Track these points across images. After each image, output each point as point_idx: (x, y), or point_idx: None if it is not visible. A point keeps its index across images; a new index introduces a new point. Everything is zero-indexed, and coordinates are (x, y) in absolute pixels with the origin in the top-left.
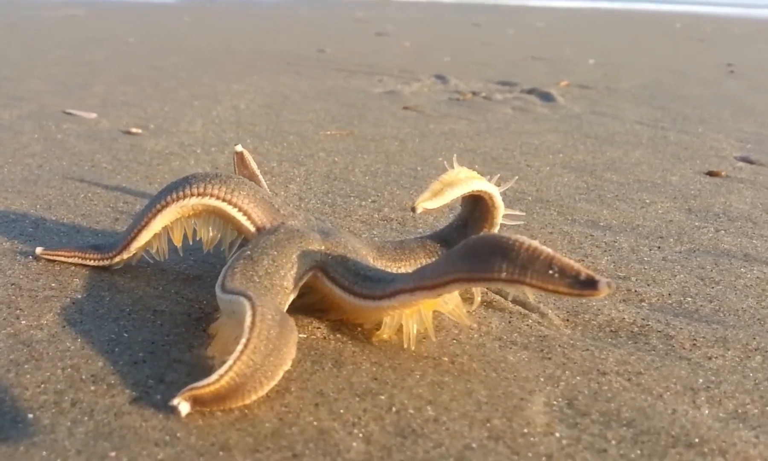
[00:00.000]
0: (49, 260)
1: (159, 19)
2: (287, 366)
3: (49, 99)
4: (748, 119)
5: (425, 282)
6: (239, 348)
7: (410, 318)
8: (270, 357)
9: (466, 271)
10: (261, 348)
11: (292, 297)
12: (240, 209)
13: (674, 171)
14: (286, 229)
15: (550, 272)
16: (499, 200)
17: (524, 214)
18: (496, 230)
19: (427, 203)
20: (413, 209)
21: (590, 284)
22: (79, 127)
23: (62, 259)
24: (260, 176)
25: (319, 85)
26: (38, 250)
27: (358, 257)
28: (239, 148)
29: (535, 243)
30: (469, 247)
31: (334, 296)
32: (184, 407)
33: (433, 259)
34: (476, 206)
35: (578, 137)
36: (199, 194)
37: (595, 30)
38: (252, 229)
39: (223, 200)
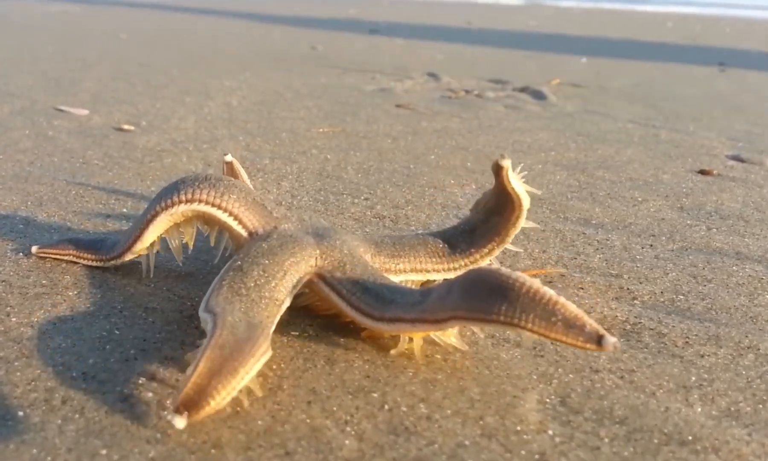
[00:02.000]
0: (42, 258)
1: (150, 15)
2: (245, 373)
3: (40, 95)
4: (739, 118)
5: (426, 316)
6: (198, 354)
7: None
8: (227, 364)
9: (465, 309)
10: (216, 356)
11: (284, 307)
12: (231, 214)
13: (666, 169)
14: (279, 234)
15: (553, 319)
16: (522, 220)
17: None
18: (507, 243)
19: (513, 175)
20: (501, 157)
21: (596, 339)
22: (70, 123)
23: (57, 256)
24: (250, 186)
25: (312, 83)
26: (33, 249)
27: (355, 260)
28: (229, 158)
29: (537, 284)
30: (469, 282)
31: (332, 303)
32: (178, 422)
33: (434, 259)
34: (490, 217)
35: (570, 135)
36: (187, 201)
37: (587, 29)
38: (244, 234)
39: (213, 205)
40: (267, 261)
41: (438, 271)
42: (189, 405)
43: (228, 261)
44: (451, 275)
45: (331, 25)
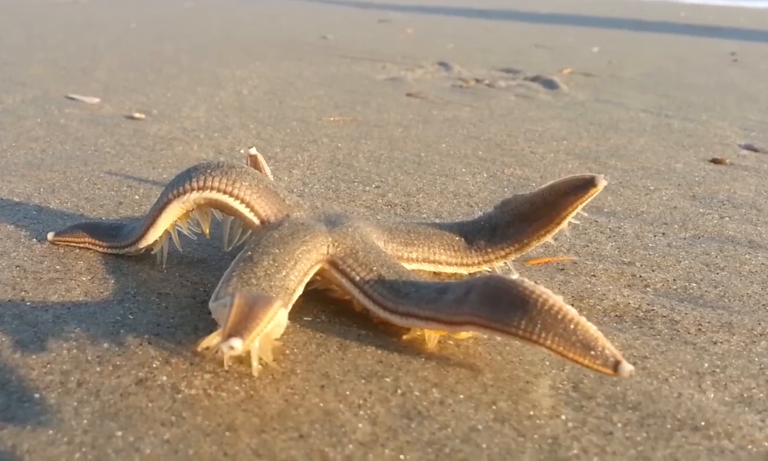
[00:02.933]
0: (56, 244)
1: (160, 4)
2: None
3: (51, 84)
4: (752, 107)
5: (441, 316)
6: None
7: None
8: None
9: (484, 317)
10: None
11: (296, 296)
12: (242, 201)
13: (678, 158)
14: (290, 223)
15: (573, 339)
16: (549, 237)
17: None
18: (524, 253)
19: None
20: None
21: (613, 364)
22: (81, 112)
23: (72, 243)
24: (269, 176)
25: (323, 72)
26: (49, 236)
27: (368, 247)
28: (253, 150)
29: (560, 303)
30: (491, 289)
31: (345, 291)
32: (236, 343)
33: (448, 252)
34: (516, 221)
35: (582, 124)
36: (199, 188)
37: (599, 18)
38: (256, 221)
39: (224, 192)
40: (277, 250)
41: (451, 264)
42: (238, 330)
43: (240, 251)
44: (464, 271)
45: (341, 13)
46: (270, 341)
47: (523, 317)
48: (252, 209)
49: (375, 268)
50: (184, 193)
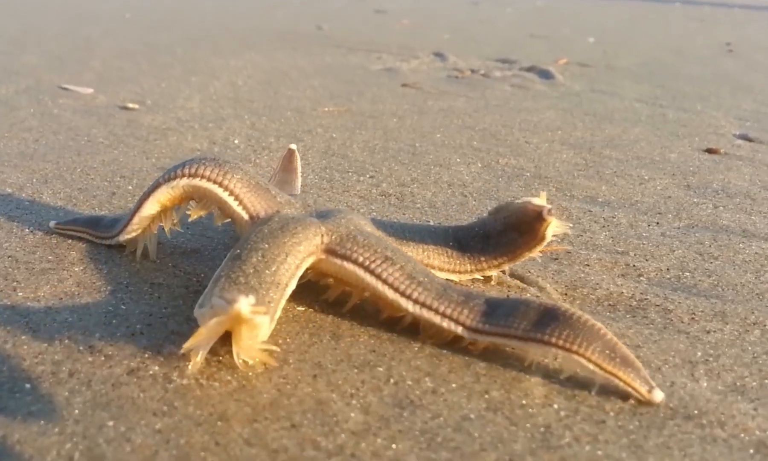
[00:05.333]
0: (61, 234)
1: None
2: None
3: (45, 74)
4: (746, 97)
5: (462, 318)
6: None
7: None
8: None
9: (522, 329)
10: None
11: (289, 290)
12: (232, 193)
13: (673, 148)
14: (280, 217)
15: (612, 354)
16: (540, 248)
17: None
18: (517, 262)
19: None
20: None
21: (649, 385)
22: (75, 102)
23: (72, 233)
24: (299, 177)
25: (317, 62)
26: (52, 223)
27: (367, 233)
28: (293, 146)
29: (600, 324)
30: (533, 310)
31: (347, 276)
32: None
33: (442, 256)
34: (509, 230)
35: (577, 115)
36: (190, 175)
37: (595, 9)
38: (245, 216)
39: (214, 182)
40: (267, 245)
41: (444, 270)
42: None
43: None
44: (455, 278)
45: (336, 4)
46: (253, 346)
47: (566, 329)
48: (241, 203)
49: (380, 250)
50: (175, 178)
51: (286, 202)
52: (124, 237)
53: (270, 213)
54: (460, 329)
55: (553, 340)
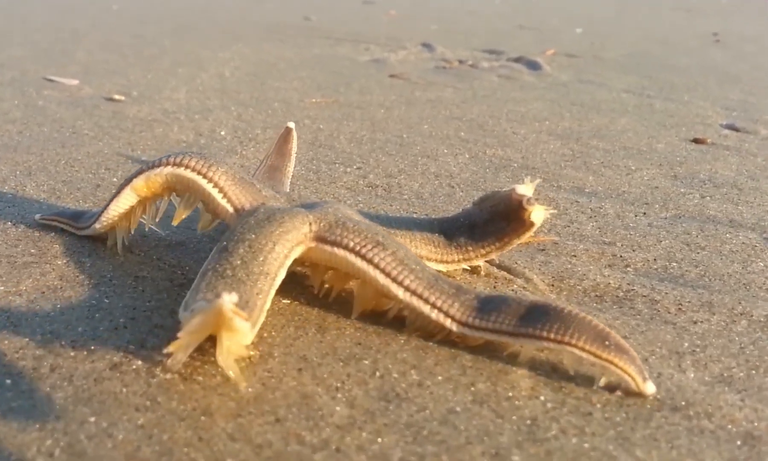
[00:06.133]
0: (45, 226)
1: None
2: None
3: (30, 65)
4: (733, 87)
5: (453, 311)
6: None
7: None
8: None
9: (513, 325)
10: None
11: (278, 280)
12: (216, 185)
13: (660, 138)
14: (266, 208)
15: (606, 343)
16: (528, 236)
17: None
18: (505, 251)
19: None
20: None
21: (644, 374)
22: (60, 93)
23: (56, 224)
24: (293, 160)
25: (305, 53)
26: (37, 217)
27: (356, 220)
28: (291, 125)
29: (590, 316)
30: (526, 307)
31: (338, 262)
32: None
33: (429, 246)
34: (495, 219)
35: (564, 105)
36: (174, 164)
37: (582, 0)
38: (230, 209)
39: (198, 173)
40: (253, 236)
41: (431, 260)
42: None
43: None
44: (443, 268)
45: None
46: (233, 354)
47: (556, 322)
48: (225, 195)
49: (370, 235)
50: (159, 166)
51: (271, 196)
52: (100, 225)
53: (255, 205)
54: (448, 322)
55: (545, 334)
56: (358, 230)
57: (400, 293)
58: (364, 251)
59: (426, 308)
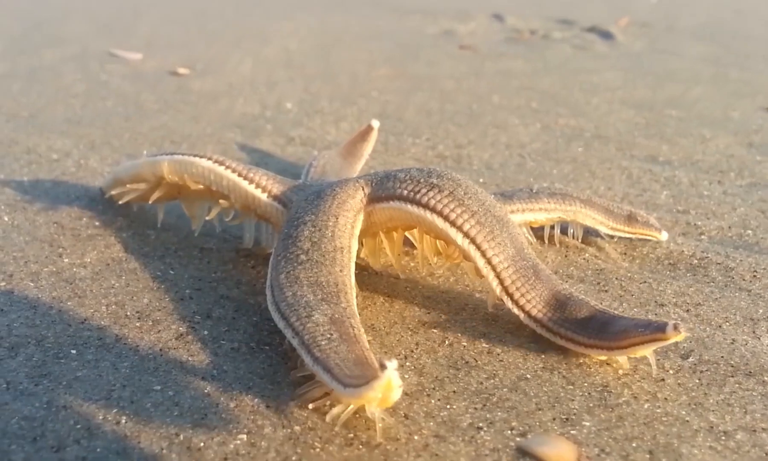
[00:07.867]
0: (98, 200)
1: None
2: None
3: (92, 40)
4: None
5: (513, 285)
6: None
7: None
8: None
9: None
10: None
11: (353, 250)
12: (245, 178)
13: (735, 107)
14: (311, 189)
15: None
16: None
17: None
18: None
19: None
20: None
21: (662, 326)
22: (123, 67)
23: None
24: (362, 161)
25: (372, 25)
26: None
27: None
28: (375, 123)
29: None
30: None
31: (396, 217)
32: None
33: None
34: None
35: (638, 74)
36: (216, 162)
37: None
38: (263, 197)
39: (240, 175)
40: (312, 216)
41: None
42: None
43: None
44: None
45: None
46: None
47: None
48: (260, 186)
49: (423, 179)
50: (201, 157)
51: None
52: (110, 181)
53: (295, 190)
54: (499, 290)
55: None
56: (408, 180)
57: (459, 238)
58: (419, 197)
59: (481, 262)
